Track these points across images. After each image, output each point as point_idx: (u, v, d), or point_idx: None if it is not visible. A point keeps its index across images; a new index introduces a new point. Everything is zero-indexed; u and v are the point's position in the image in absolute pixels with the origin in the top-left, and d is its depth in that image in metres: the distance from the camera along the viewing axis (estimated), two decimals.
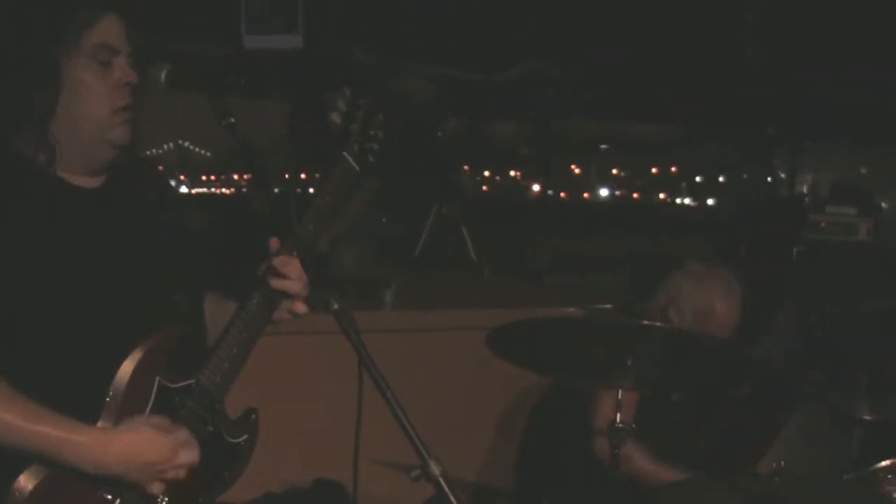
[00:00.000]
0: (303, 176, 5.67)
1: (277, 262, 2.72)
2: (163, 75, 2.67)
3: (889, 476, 3.93)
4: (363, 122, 2.92)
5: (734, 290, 4.16)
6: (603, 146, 8.73)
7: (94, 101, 2.61)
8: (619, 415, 3.21)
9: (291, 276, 2.71)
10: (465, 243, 6.94)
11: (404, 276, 6.04)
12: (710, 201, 9.22)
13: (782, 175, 8.08)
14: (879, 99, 7.49)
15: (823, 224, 6.40)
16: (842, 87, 7.42)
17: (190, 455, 2.59)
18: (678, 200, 9.21)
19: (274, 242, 2.75)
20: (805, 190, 7.12)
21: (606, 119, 8.41)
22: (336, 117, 2.85)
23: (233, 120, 2.62)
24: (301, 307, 2.76)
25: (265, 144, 5.94)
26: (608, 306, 5.31)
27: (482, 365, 3.67)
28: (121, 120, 2.64)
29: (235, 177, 8.11)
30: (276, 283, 2.74)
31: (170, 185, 3.29)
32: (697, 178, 9.25)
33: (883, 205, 7.16)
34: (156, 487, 2.55)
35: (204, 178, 8.08)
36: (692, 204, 9.21)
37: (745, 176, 8.97)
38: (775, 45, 6.92)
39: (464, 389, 5.07)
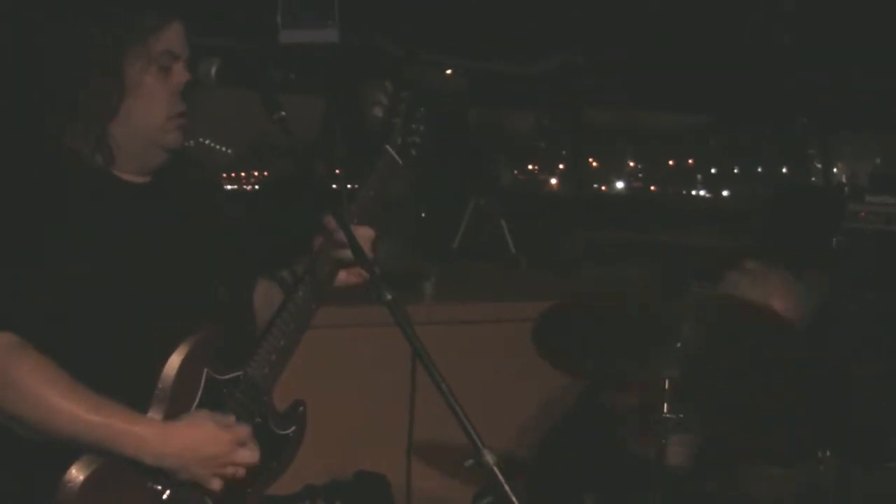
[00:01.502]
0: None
1: (334, 234, 2.74)
2: (213, 70, 2.69)
3: None
4: (405, 115, 2.93)
5: (791, 288, 4.14)
6: (622, 138, 8.73)
7: (153, 105, 2.63)
8: (665, 405, 3.21)
9: (345, 244, 2.71)
10: (504, 235, 6.94)
11: (442, 269, 6.05)
12: (724, 193, 9.21)
13: (818, 165, 8.05)
14: None
15: (863, 213, 6.37)
16: (879, 75, 7.39)
17: (249, 454, 2.60)
18: (694, 192, 9.20)
19: (329, 220, 2.77)
20: (844, 179, 7.11)
21: (630, 110, 8.40)
22: (378, 111, 2.87)
23: (283, 114, 2.64)
24: (361, 272, 2.74)
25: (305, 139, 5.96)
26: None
27: (523, 357, 3.67)
28: (176, 125, 2.67)
29: (255, 174, 8.14)
30: (335, 253, 2.77)
31: (213, 178, 3.31)
32: (713, 170, 9.24)
33: None
34: (214, 483, 2.57)
35: (224, 175, 8.12)
36: (707, 195, 9.19)
37: (759, 168, 8.97)
38: (813, 33, 6.91)
39: (505, 382, 5.08)
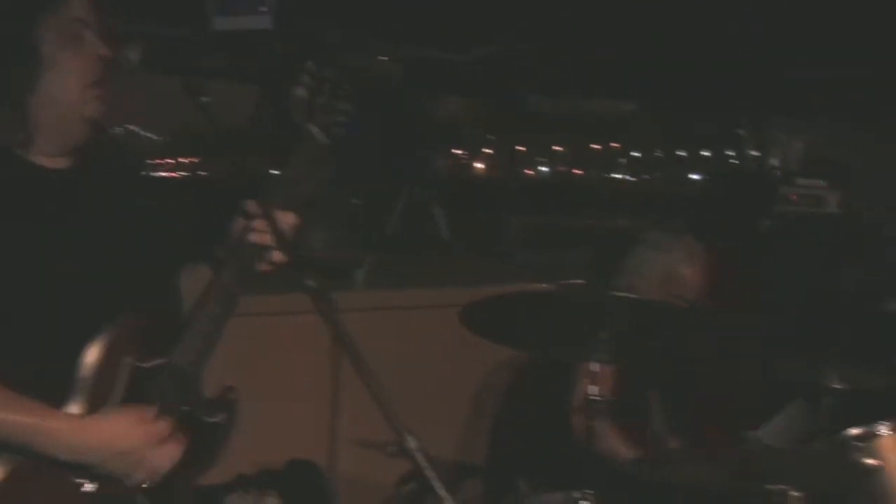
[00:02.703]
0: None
1: (254, 219, 2.72)
2: (136, 55, 2.66)
3: (859, 443, 3.96)
4: (330, 94, 2.90)
5: (698, 254, 4.20)
6: (549, 122, 8.73)
7: (69, 76, 2.59)
8: (594, 388, 3.22)
9: (268, 228, 2.70)
10: (437, 221, 6.93)
11: (375, 256, 6.04)
12: (645, 176, 9.26)
13: (751, 150, 8.09)
14: (851, 73, 7.52)
15: (794, 196, 6.43)
16: (813, 62, 7.45)
17: (170, 447, 2.58)
18: (619, 176, 9.23)
19: (250, 204, 2.75)
20: (776, 163, 7.15)
21: (563, 96, 8.41)
22: (301, 91, 2.84)
23: (206, 99, 2.61)
24: (280, 256, 2.73)
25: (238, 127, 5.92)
26: (581, 282, 5.32)
27: (455, 343, 3.68)
28: (94, 95, 2.63)
29: (184, 160, 8.06)
30: (255, 237, 2.74)
31: (137, 163, 3.28)
32: (636, 154, 9.27)
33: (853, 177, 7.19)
34: (135, 477, 2.55)
35: (151, 162, 8.03)
36: (632, 179, 9.23)
37: (685, 153, 9.01)
38: (745, 19, 6.94)
39: (437, 368, 5.08)
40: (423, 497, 2.24)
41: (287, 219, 2.78)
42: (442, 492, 2.19)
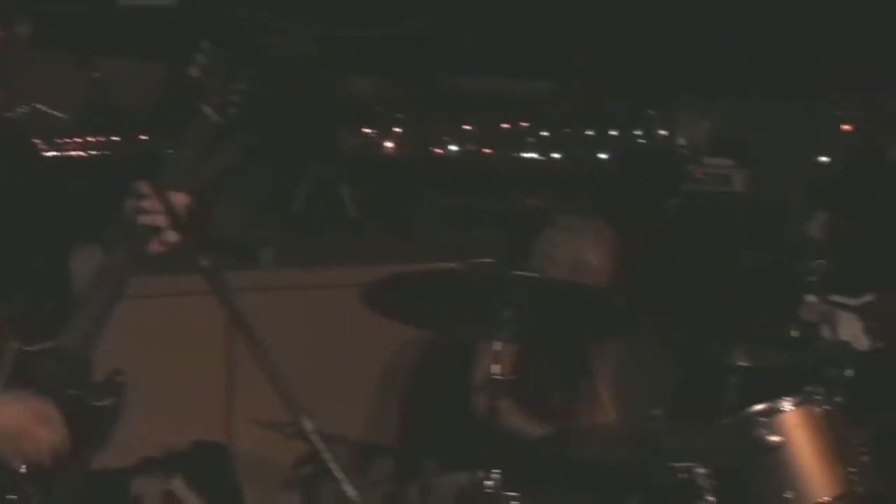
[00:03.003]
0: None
1: (146, 200, 2.67)
2: (26, 31, 2.60)
3: (763, 420, 4.00)
4: (224, 74, 2.84)
5: (607, 237, 4.20)
6: (458, 101, 8.73)
7: None
8: (496, 367, 3.19)
9: (160, 209, 2.64)
10: (344, 200, 6.89)
11: (282, 235, 5.98)
12: (554, 155, 9.30)
13: (659, 129, 8.14)
14: (759, 52, 7.58)
15: (701, 175, 6.47)
16: (719, 40, 7.50)
17: (50, 432, 2.53)
18: (528, 155, 9.25)
19: (143, 185, 2.69)
20: (682, 142, 7.19)
21: (470, 74, 8.40)
22: (195, 70, 2.78)
23: (98, 75, 2.55)
24: (174, 236, 2.69)
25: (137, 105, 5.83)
26: (489, 261, 5.30)
27: (362, 322, 3.64)
28: None
29: (92, 139, 7.94)
30: (146, 219, 2.68)
31: (30, 146, 3.19)
32: (545, 133, 9.30)
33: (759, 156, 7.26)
34: (15, 462, 2.49)
35: (59, 141, 7.90)
36: (541, 158, 9.27)
37: (592, 132, 9.07)
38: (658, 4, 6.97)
39: (345, 347, 5.03)
40: (320, 479, 2.20)
41: (180, 199, 2.73)
42: (339, 474, 2.16)
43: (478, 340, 3.77)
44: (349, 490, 2.15)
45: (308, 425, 2.19)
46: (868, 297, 5.03)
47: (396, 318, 3.37)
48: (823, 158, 7.92)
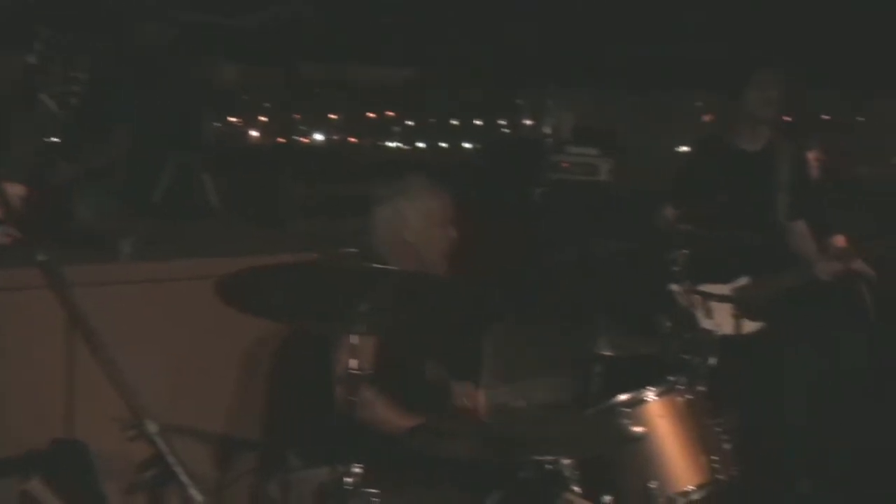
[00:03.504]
0: None
1: None
2: None
3: (626, 409, 4.01)
4: (64, 62, 2.74)
5: (423, 218, 4.19)
6: (325, 90, 8.67)
7: None
8: (354, 361, 3.12)
9: None
10: (207, 190, 6.74)
11: (144, 226, 5.82)
12: (419, 144, 9.31)
13: (526, 119, 8.15)
14: (624, 45, 7.64)
15: (566, 164, 6.49)
16: (587, 33, 7.54)
17: None
18: (393, 144, 9.25)
19: None
20: (547, 131, 7.21)
21: (339, 63, 8.34)
22: (32, 58, 2.67)
23: None
24: (10, 229, 2.57)
25: None
26: (353, 250, 5.23)
27: (224, 314, 3.54)
28: None
29: None
30: None
31: None
32: (411, 122, 9.31)
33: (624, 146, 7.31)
34: None
35: None
36: (405, 147, 9.26)
37: (455, 121, 9.09)
38: None
39: (207, 340, 4.92)
40: (165, 483, 2.11)
41: (16, 190, 2.61)
42: (184, 478, 2.07)
43: (334, 334, 3.71)
44: (195, 495, 2.07)
45: (152, 427, 2.10)
46: (733, 285, 5.09)
47: (251, 311, 3.29)
48: (685, 148, 8.02)
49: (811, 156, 6.05)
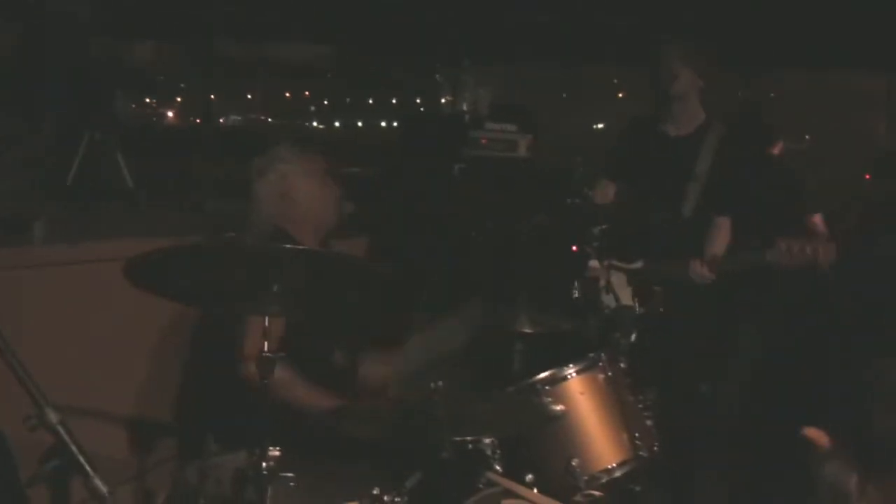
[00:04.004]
0: None
1: None
2: None
3: (546, 387, 4.00)
4: None
5: (311, 192, 4.18)
6: (243, 69, 8.58)
7: None
8: (265, 343, 3.07)
9: None
10: (121, 170, 6.62)
11: (55, 208, 5.71)
12: (336, 123, 9.28)
13: (445, 97, 8.12)
14: (537, 20, 7.62)
15: (484, 140, 6.46)
16: (502, 9, 7.51)
17: None
18: (308, 123, 9.21)
19: None
20: (465, 108, 7.18)
21: (256, 41, 8.25)
22: None
23: None
24: None
25: None
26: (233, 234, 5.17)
27: (137, 297, 3.47)
28: None
29: None
30: None
31: None
32: (326, 101, 9.28)
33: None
34: None
35: None
36: (320, 127, 9.23)
37: (371, 100, 9.07)
38: None
39: (119, 323, 4.84)
40: (68, 473, 2.04)
41: None
42: (88, 468, 2.00)
43: (245, 315, 3.66)
44: (100, 486, 2.00)
45: (53, 416, 2.03)
46: (644, 261, 5.07)
47: (160, 293, 3.21)
48: (601, 125, 8.04)
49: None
